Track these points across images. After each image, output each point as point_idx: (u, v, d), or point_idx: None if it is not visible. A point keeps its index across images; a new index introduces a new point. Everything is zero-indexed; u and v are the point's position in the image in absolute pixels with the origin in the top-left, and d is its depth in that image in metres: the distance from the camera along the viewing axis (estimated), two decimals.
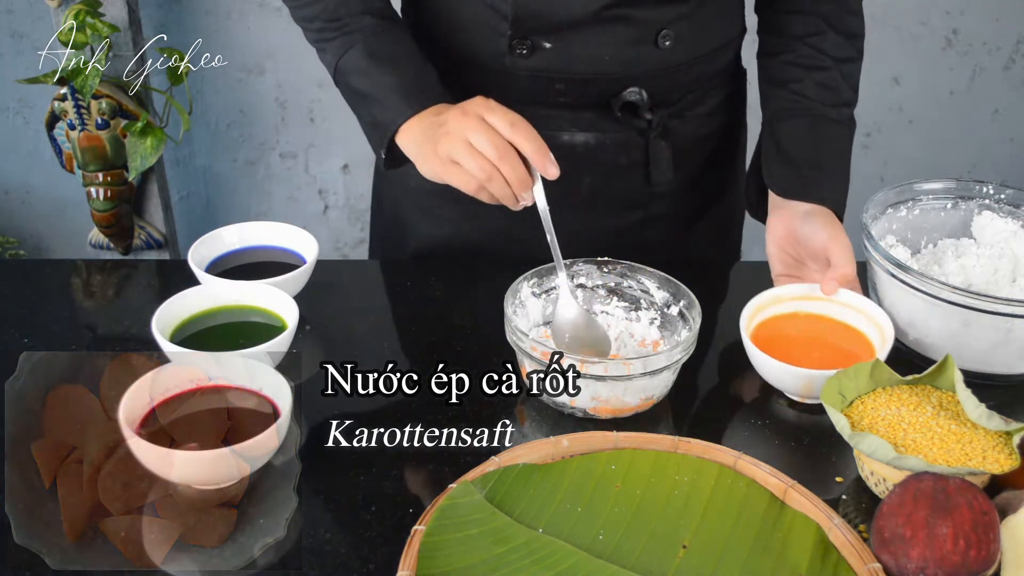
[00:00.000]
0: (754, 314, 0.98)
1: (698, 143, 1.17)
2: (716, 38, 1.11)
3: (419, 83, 1.00)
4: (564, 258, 0.97)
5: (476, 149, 0.90)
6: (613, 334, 0.99)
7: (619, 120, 1.10)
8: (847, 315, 0.99)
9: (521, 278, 0.98)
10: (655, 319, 1.00)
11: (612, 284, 1.02)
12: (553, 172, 0.90)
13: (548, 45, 1.04)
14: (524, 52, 1.04)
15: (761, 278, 1.16)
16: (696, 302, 0.95)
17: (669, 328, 0.99)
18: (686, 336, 0.92)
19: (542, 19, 1.03)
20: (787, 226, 1.04)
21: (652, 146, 1.13)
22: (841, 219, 1.06)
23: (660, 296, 0.99)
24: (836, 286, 0.99)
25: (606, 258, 1.01)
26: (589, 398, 0.90)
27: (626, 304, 1.02)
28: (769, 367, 0.92)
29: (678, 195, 1.18)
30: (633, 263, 1.01)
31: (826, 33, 1.07)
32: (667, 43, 1.05)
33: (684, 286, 0.97)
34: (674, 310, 0.98)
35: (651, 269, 1.00)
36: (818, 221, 1.02)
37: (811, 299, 1.00)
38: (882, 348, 0.94)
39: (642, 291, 1.01)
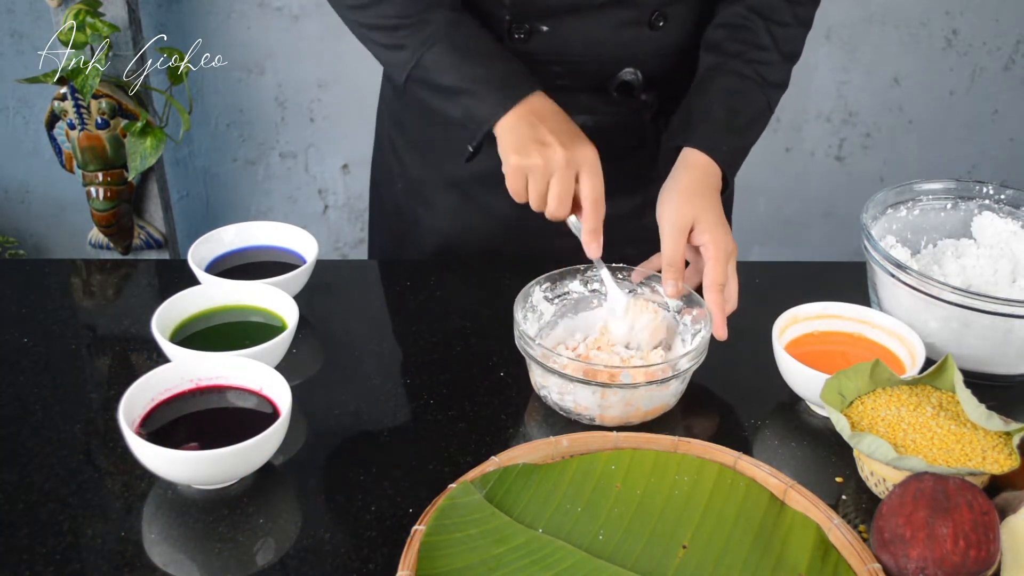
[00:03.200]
0: (784, 328, 0.97)
1: None
2: (705, 19, 1.12)
3: (510, 74, 0.98)
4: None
5: (548, 192, 0.95)
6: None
7: (615, 102, 1.12)
8: (879, 336, 0.98)
9: (533, 282, 0.98)
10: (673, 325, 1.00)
11: (627, 291, 1.02)
12: (593, 253, 0.96)
13: (546, 28, 1.05)
14: (522, 36, 1.05)
15: (759, 278, 1.16)
16: (707, 310, 0.94)
17: (679, 334, 0.99)
18: (697, 344, 0.92)
19: (541, 4, 1.03)
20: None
21: (649, 129, 1.14)
22: (724, 184, 1.02)
23: (673, 303, 0.99)
24: (674, 288, 0.96)
25: (622, 264, 1.01)
26: (598, 406, 0.90)
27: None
28: (802, 376, 0.90)
29: None
30: (627, 266, 1.01)
31: None
32: (661, 24, 1.07)
33: (696, 294, 0.97)
34: (687, 318, 0.98)
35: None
36: (671, 194, 0.98)
37: (842, 318, 0.99)
38: (912, 369, 0.93)
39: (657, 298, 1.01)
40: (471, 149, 1.00)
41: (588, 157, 0.94)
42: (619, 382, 0.87)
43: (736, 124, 1.04)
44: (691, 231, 0.97)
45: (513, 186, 0.96)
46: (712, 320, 0.93)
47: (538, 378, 0.93)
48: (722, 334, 0.94)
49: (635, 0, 1.05)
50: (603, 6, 1.04)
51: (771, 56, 1.06)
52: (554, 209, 0.95)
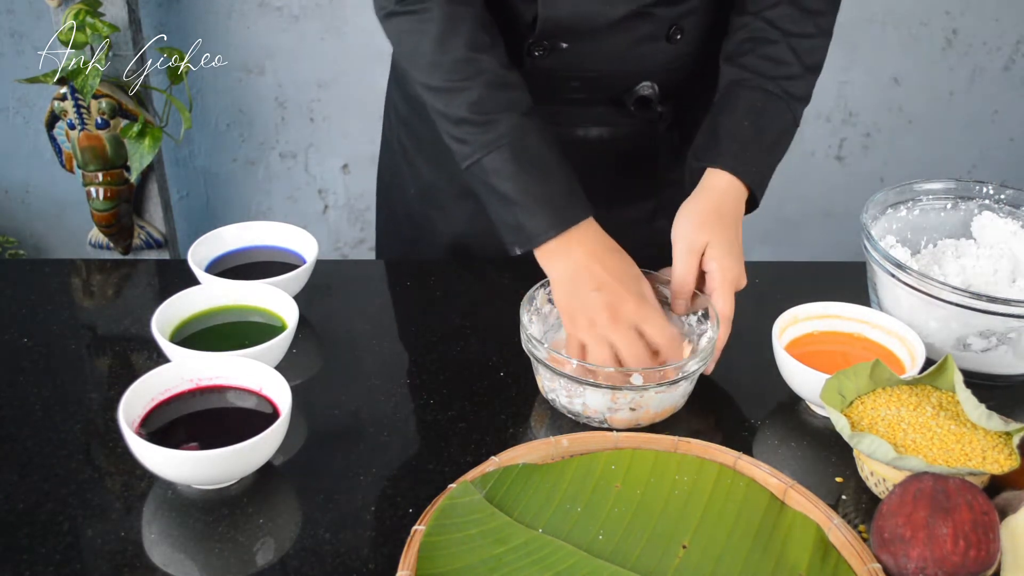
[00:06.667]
0: (784, 328, 0.96)
1: None
2: (719, 29, 1.12)
3: (566, 196, 0.95)
4: None
5: (617, 356, 0.91)
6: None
7: (631, 114, 1.12)
8: (879, 336, 0.98)
9: (538, 285, 0.98)
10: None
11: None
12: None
13: (565, 46, 1.05)
14: (541, 53, 1.05)
15: (759, 278, 1.16)
16: (716, 313, 0.94)
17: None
18: (705, 345, 0.91)
19: (566, 27, 1.03)
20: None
21: (662, 138, 1.15)
22: (753, 200, 1.01)
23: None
24: (684, 307, 0.97)
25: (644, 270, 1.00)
26: (608, 409, 0.90)
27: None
28: (802, 376, 0.90)
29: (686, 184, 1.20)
30: (649, 271, 0.99)
31: (780, 5, 1.04)
32: (678, 37, 1.07)
33: (703, 295, 0.97)
34: (692, 319, 0.98)
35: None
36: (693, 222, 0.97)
37: (842, 318, 0.99)
38: (912, 369, 0.93)
39: (663, 299, 1.00)
40: (518, 252, 0.97)
41: (634, 311, 0.91)
42: (629, 384, 0.87)
43: (763, 143, 1.02)
44: (703, 254, 0.96)
45: (572, 351, 0.93)
46: (713, 351, 0.92)
47: (546, 381, 0.92)
48: (711, 369, 0.96)
49: (654, 15, 1.04)
50: (622, 22, 1.03)
51: (795, 70, 1.04)
52: (637, 364, 0.91)
